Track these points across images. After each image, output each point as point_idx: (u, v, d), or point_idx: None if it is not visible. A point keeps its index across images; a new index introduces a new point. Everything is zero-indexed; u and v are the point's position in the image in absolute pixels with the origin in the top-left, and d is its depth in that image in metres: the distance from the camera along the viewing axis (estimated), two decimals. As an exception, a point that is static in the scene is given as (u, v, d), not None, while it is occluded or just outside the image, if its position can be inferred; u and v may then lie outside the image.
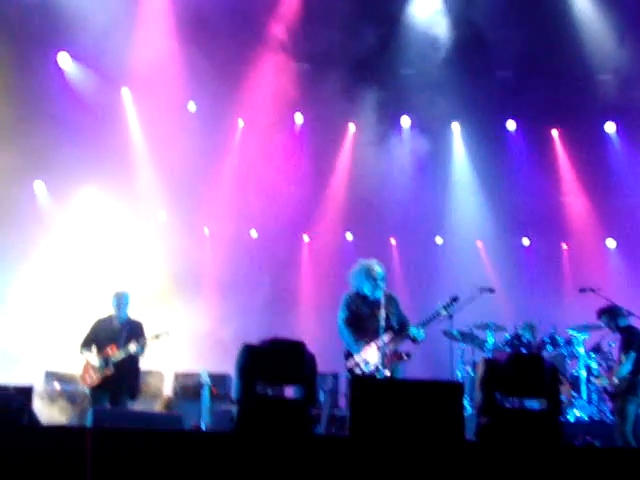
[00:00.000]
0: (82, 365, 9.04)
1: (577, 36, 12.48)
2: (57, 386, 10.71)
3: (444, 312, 8.15)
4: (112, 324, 9.13)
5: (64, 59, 12.90)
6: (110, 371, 8.79)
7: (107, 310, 9.30)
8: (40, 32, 12.06)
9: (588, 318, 10.84)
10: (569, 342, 10.85)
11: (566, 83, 13.26)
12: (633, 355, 8.59)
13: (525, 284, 13.83)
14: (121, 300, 9.21)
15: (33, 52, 12.24)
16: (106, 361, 8.82)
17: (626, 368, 8.65)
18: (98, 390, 8.83)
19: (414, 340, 7.88)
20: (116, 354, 8.83)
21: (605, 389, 9.13)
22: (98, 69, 12.83)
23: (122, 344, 8.88)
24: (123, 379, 8.87)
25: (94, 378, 8.83)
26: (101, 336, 9.03)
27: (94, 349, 8.97)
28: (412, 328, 7.84)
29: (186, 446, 5.29)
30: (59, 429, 6.34)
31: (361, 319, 7.96)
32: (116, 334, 9.01)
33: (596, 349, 10.54)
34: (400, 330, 7.92)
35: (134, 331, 9.07)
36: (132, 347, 8.83)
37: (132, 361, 8.99)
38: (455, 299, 8.18)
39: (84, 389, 9.02)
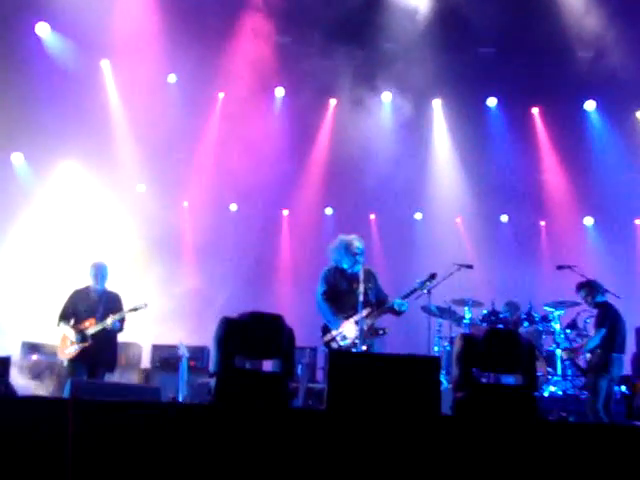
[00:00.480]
0: (60, 337, 9.02)
1: (558, 12, 12.43)
2: (34, 357, 10.69)
3: (421, 288, 8.20)
4: (89, 295, 9.10)
5: (43, 29, 12.70)
6: (88, 343, 8.77)
7: (85, 281, 9.26)
8: (18, 2, 11.88)
9: (564, 295, 10.98)
10: (545, 318, 10.96)
11: (547, 60, 13.26)
12: (603, 331, 8.71)
13: (503, 260, 13.87)
14: (99, 271, 9.17)
15: (11, 22, 12.07)
16: (84, 334, 8.80)
17: (593, 342, 8.78)
18: (76, 362, 8.80)
19: (397, 312, 7.92)
20: (94, 327, 8.81)
21: (577, 365, 9.24)
22: (78, 40, 12.66)
23: (100, 316, 8.86)
24: (101, 351, 8.84)
25: (72, 350, 8.81)
26: (79, 308, 9.00)
27: (72, 321, 8.95)
28: (396, 300, 7.88)
29: (163, 418, 5.30)
30: (37, 400, 6.32)
31: (339, 294, 7.98)
32: (94, 306, 8.98)
33: (572, 325, 10.65)
34: (379, 304, 7.96)
35: (112, 303, 9.05)
36: (109, 321, 8.81)
37: (110, 334, 8.97)
38: (433, 276, 8.23)
39: (62, 361, 9.00)
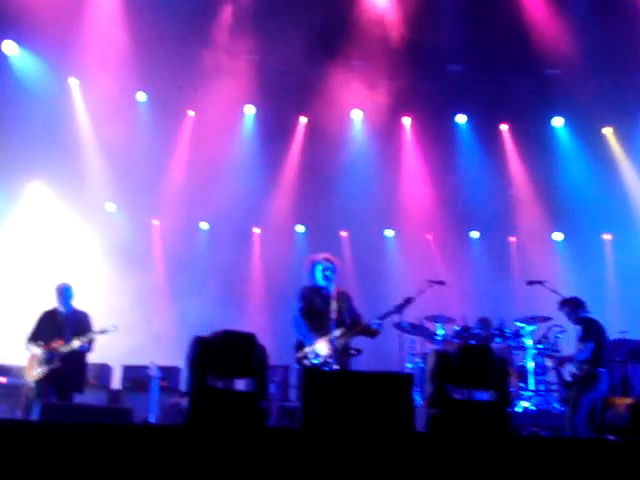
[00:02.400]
0: (28, 358, 8.89)
1: (526, 31, 12.56)
2: (1, 379, 10.52)
3: (397, 312, 8.20)
4: (57, 317, 9.00)
5: (10, 47, 12.58)
6: (56, 365, 8.65)
7: (53, 302, 9.15)
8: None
9: (535, 310, 11.04)
10: (517, 334, 10.99)
11: (515, 78, 13.41)
12: (591, 345, 8.71)
13: (474, 277, 13.97)
14: (61, 293, 9.08)
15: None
16: (52, 355, 8.68)
17: (583, 355, 8.73)
18: (43, 383, 8.67)
19: (372, 333, 7.91)
20: (62, 348, 8.69)
21: (560, 375, 9.17)
22: (45, 58, 12.55)
23: (68, 337, 8.74)
24: (69, 372, 8.72)
25: (39, 371, 8.68)
26: (47, 329, 8.90)
27: (40, 342, 8.83)
28: (375, 320, 7.87)
29: (136, 440, 5.23)
30: (6, 423, 6.22)
31: (315, 312, 7.94)
32: (61, 327, 8.87)
33: (543, 341, 10.70)
34: (353, 325, 7.95)
35: (80, 323, 8.94)
36: (76, 343, 8.71)
37: (78, 355, 8.86)
38: (409, 300, 8.22)
39: (29, 382, 8.86)
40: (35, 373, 8.72)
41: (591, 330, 8.82)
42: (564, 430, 8.71)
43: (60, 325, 8.91)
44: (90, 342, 8.90)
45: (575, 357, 8.87)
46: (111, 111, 12.78)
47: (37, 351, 8.78)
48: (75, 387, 8.87)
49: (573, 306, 9.10)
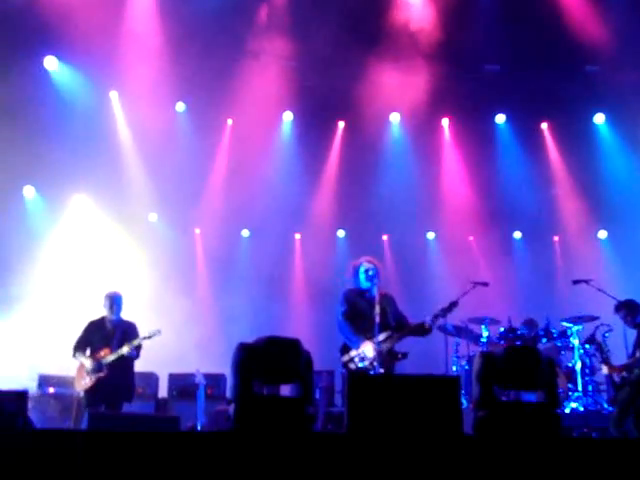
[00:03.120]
0: (76, 368, 9.00)
1: (564, 27, 12.42)
2: (51, 390, 10.66)
3: (442, 315, 8.14)
4: (105, 326, 9.09)
5: (51, 63, 12.78)
6: (104, 374, 8.74)
7: (100, 312, 9.25)
8: (26, 35, 11.95)
9: (581, 309, 10.90)
10: (563, 334, 10.87)
11: (554, 75, 13.26)
12: None
13: (518, 277, 13.85)
14: (113, 301, 9.16)
15: (19, 55, 12.12)
16: (99, 364, 8.77)
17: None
18: (92, 393, 8.76)
19: (425, 330, 7.89)
20: (109, 356, 8.78)
21: (613, 380, 8.98)
22: (85, 72, 12.73)
23: (115, 346, 8.84)
24: (117, 381, 8.81)
25: (87, 381, 8.78)
26: (94, 338, 9.00)
27: (88, 352, 8.93)
28: (427, 318, 7.86)
29: (183, 448, 5.25)
30: (54, 433, 6.29)
31: (359, 315, 7.92)
32: (109, 336, 8.98)
33: (590, 340, 10.54)
34: (399, 327, 7.92)
35: (127, 333, 9.03)
36: (125, 349, 8.79)
37: (126, 363, 8.95)
38: (454, 304, 8.16)
39: (78, 393, 8.96)
40: (84, 383, 8.82)
41: None
42: (609, 431, 8.57)
43: (108, 334, 9.01)
44: (138, 348, 8.98)
45: (636, 363, 8.65)
46: (151, 122, 12.92)
47: (85, 361, 8.88)
48: (124, 396, 8.95)
49: (629, 309, 8.92)
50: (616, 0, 12.38)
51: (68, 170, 12.45)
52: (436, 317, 7.95)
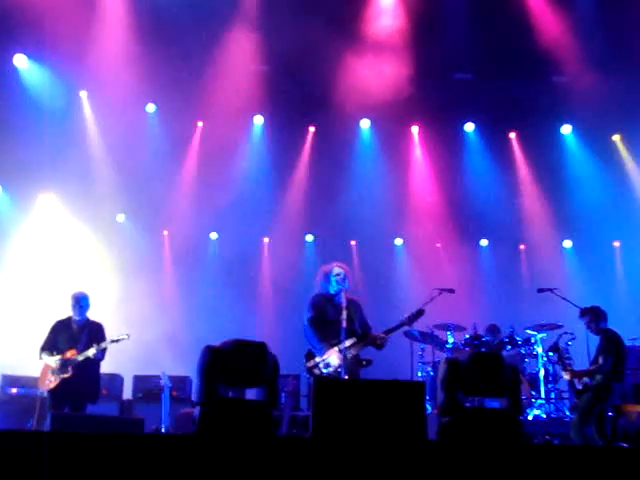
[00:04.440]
0: (41, 368, 8.90)
1: (534, 38, 12.55)
2: (14, 390, 10.55)
3: (408, 323, 8.18)
4: (71, 326, 9.01)
5: (20, 61, 12.67)
6: (69, 374, 8.66)
7: (67, 312, 9.17)
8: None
9: (545, 318, 11.04)
10: (527, 341, 10.99)
11: (523, 85, 13.40)
12: (611, 360, 8.63)
13: (484, 284, 13.97)
14: (78, 301, 9.07)
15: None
16: (65, 364, 8.70)
17: (606, 368, 8.67)
18: (57, 394, 8.68)
19: (380, 346, 7.91)
20: (75, 357, 8.73)
21: (573, 386, 9.08)
22: (56, 71, 12.65)
23: (82, 347, 8.77)
24: (82, 382, 8.72)
25: (52, 381, 8.71)
26: (60, 339, 8.91)
27: (54, 352, 8.84)
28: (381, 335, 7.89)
29: (147, 450, 5.24)
30: (16, 434, 6.24)
31: (326, 321, 7.92)
32: (75, 337, 8.90)
33: (554, 348, 10.65)
34: (363, 336, 7.93)
35: (94, 333, 8.96)
36: (91, 351, 8.72)
37: (92, 364, 8.87)
38: (420, 312, 8.19)
39: (42, 393, 8.88)
40: (48, 382, 8.73)
41: (612, 344, 8.76)
42: (570, 437, 8.67)
43: (74, 334, 8.92)
44: (103, 351, 8.92)
45: (599, 372, 8.75)
46: (121, 122, 12.87)
47: (51, 361, 8.79)
48: (89, 397, 8.85)
49: (594, 316, 9.01)
50: (584, 12, 12.52)
51: (36, 168, 12.36)
52: (391, 331, 7.96)
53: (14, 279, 12.53)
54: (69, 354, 8.75)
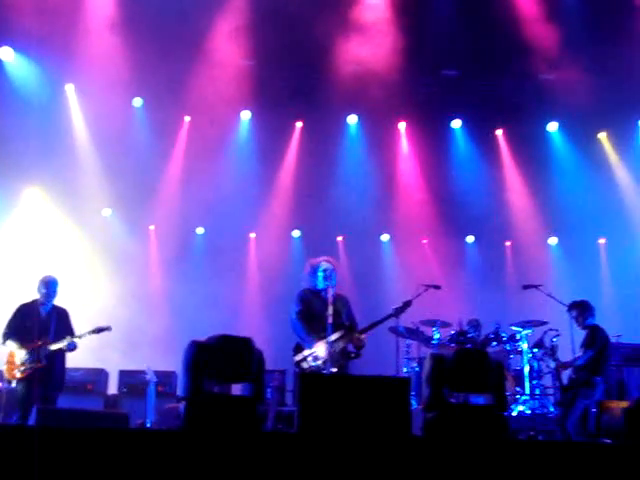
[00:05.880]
0: (6, 356, 8.63)
1: (521, 35, 12.57)
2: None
3: (396, 315, 8.22)
4: (38, 312, 8.73)
5: (6, 53, 12.58)
6: (42, 364, 8.46)
7: (31, 295, 8.95)
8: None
9: (531, 314, 11.08)
10: (513, 338, 11.02)
11: (510, 83, 13.44)
12: (590, 353, 8.71)
13: (470, 281, 14.00)
14: (50, 285, 8.85)
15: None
16: (36, 353, 8.48)
17: (581, 361, 8.74)
18: (26, 383, 8.45)
19: (357, 347, 7.93)
20: (49, 346, 8.52)
21: (560, 379, 9.13)
22: (42, 65, 12.56)
23: (51, 334, 8.57)
24: (52, 372, 8.57)
25: (22, 370, 8.48)
26: (28, 324, 8.64)
27: (20, 339, 8.58)
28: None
29: (132, 445, 5.22)
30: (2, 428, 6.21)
31: (314, 315, 7.97)
32: (44, 323, 8.67)
33: (539, 344, 10.71)
34: (350, 329, 7.96)
35: (61, 320, 8.79)
36: (66, 341, 8.55)
37: (60, 354, 8.70)
38: (408, 303, 8.24)
39: (9, 382, 8.58)
40: (17, 372, 8.51)
41: (596, 339, 8.81)
42: (556, 433, 8.74)
43: (43, 321, 8.68)
44: (76, 343, 8.71)
45: (575, 363, 8.86)
46: (107, 116, 12.80)
47: (19, 349, 8.53)
48: (57, 387, 8.69)
49: (582, 310, 9.06)
50: (570, 11, 12.56)
51: (21, 162, 12.29)
52: (370, 328, 8.00)
53: (-1, 273, 12.46)
54: (41, 342, 8.51)
